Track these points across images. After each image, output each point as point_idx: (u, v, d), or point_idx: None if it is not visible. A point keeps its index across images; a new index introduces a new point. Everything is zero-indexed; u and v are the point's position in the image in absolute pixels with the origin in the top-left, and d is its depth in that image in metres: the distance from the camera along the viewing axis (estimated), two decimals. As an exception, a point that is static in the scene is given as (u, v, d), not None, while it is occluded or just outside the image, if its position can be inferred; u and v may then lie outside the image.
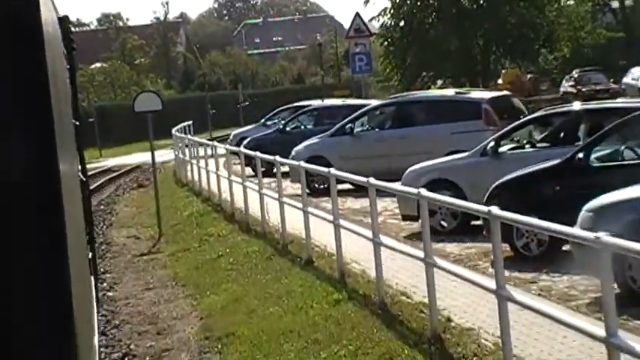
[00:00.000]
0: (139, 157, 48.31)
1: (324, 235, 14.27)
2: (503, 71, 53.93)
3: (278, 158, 17.70)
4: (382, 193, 13.00)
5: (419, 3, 53.15)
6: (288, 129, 29.70)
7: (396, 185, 14.43)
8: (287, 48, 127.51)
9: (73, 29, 7.75)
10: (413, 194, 10.53)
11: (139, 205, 29.58)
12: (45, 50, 2.22)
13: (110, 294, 16.11)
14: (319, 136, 24.34)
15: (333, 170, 13.74)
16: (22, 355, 2.23)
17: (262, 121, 35.80)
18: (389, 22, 54.50)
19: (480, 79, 49.94)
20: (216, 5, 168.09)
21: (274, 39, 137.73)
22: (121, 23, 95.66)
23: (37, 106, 2.18)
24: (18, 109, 2.15)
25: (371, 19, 56.55)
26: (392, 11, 54.12)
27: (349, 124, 23.45)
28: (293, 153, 24.09)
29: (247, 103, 51.86)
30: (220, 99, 77.66)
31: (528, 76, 56.41)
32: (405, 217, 16.38)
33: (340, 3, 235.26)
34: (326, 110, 30.01)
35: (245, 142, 30.37)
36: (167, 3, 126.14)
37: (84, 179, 5.81)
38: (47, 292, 2.24)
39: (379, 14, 55.03)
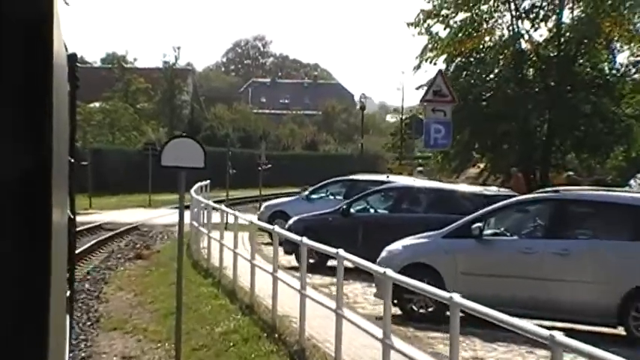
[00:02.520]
0: (135, 215, 39.73)
1: None
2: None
3: (346, 255, 12.11)
4: None
5: (476, 76, 45.37)
6: (353, 211, 21.41)
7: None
8: (295, 112, 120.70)
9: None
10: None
11: (140, 289, 21.16)
12: (52, 84, 2.15)
13: None
14: (428, 234, 16.03)
15: (456, 297, 8.32)
16: None
17: (305, 193, 27.54)
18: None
19: (537, 170, 41.73)
20: (224, 60, 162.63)
21: (281, 100, 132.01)
22: (128, 62, 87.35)
23: (35, 139, 2.10)
24: (16, 140, 2.07)
25: (418, 87, 48.71)
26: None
27: (476, 223, 15.18)
28: (384, 253, 15.87)
29: (270, 166, 43.76)
30: (232, 157, 69.56)
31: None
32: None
33: (351, 73, 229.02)
34: (405, 192, 21.75)
35: (291, 222, 22.12)
36: (179, 48, 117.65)
37: (72, 217, 5.50)
38: (24, 324, 2.12)
39: (428, 84, 47.23)
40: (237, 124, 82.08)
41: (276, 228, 17.11)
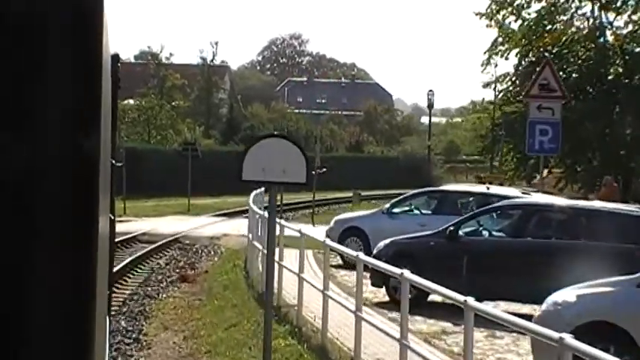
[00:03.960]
0: (174, 224, 35.06)
1: None
2: None
3: (471, 300, 8.51)
4: None
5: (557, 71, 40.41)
6: (461, 233, 16.57)
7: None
8: (333, 112, 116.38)
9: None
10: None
11: (190, 329, 16.46)
12: (101, 86, 2.09)
13: None
14: (616, 279, 11.15)
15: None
16: None
17: (386, 206, 22.64)
18: (511, 90, 41.73)
19: (620, 176, 36.53)
20: (260, 58, 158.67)
21: (318, 100, 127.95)
22: (162, 59, 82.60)
23: (83, 140, 2.02)
24: (64, 143, 2.00)
25: (486, 85, 43.72)
26: (517, 78, 41.32)
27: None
28: (546, 306, 11.05)
29: (325, 170, 39.11)
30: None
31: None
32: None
33: (387, 72, 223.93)
34: (528, 210, 16.86)
35: (380, 245, 17.35)
36: (217, 43, 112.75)
37: (112, 217, 5.53)
38: (70, 325, 2.04)
39: (498, 80, 42.31)
40: (276, 124, 77.35)
41: (361, 255, 12.64)
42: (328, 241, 15.46)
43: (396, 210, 21.60)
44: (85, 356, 2.06)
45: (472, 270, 15.96)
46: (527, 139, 22.82)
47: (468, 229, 16.65)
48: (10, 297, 2.01)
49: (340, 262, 22.31)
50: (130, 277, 22.49)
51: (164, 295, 20.48)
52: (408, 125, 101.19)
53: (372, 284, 17.30)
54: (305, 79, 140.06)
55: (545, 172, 40.29)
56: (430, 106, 37.14)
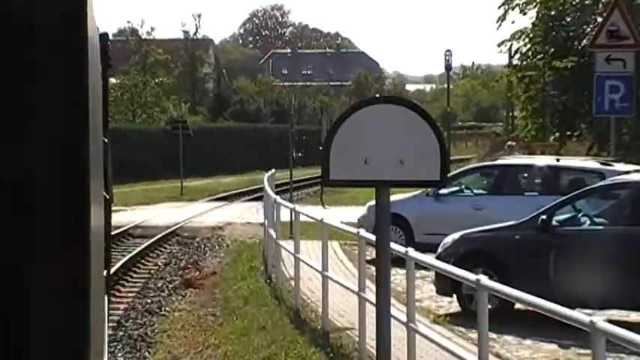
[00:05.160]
0: (169, 213, 31.03)
1: None
2: None
3: (600, 322, 5.75)
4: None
5: (577, 26, 36.42)
6: (561, 218, 12.62)
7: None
8: (320, 83, 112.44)
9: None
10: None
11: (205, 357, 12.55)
12: (88, 68, 2.14)
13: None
14: None
15: None
16: None
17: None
18: (530, 49, 37.69)
19: None
20: (242, 31, 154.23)
21: (303, 72, 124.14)
22: (143, 34, 77.94)
23: (73, 122, 2.09)
24: (52, 121, 2.07)
25: (501, 44, 39.60)
26: (534, 34, 37.24)
27: None
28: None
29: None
30: (264, 133, 61.05)
31: None
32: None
33: (374, 40, 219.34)
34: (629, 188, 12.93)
35: (447, 241, 13.42)
36: (199, 16, 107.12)
37: (107, 196, 5.38)
38: (66, 305, 2.08)
39: (513, 37, 38.26)
40: (267, 97, 73.19)
41: (412, 252, 9.27)
42: (363, 233, 11.59)
43: (443, 191, 17.60)
44: (81, 336, 2.03)
45: (575, 272, 12.08)
46: (594, 98, 18.88)
47: (562, 217, 12.71)
48: (7, 293, 2.00)
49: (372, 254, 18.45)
50: (125, 284, 18.55)
51: (167, 309, 16.56)
52: (402, 93, 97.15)
53: (438, 292, 13.44)
54: (289, 50, 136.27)
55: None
56: (448, 67, 33.47)
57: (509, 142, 28.99)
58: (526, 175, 17.36)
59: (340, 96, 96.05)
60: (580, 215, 12.69)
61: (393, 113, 5.17)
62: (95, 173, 2.49)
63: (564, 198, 12.97)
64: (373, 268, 12.58)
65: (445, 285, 13.01)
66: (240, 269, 18.55)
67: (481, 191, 17.93)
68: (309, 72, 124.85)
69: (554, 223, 12.63)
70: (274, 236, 16.86)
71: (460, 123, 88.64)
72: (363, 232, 11.47)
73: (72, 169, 2.06)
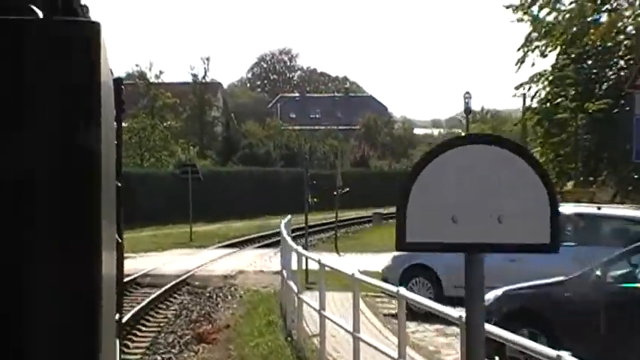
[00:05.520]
0: (179, 260, 29.86)
1: None
2: None
3: None
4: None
5: (600, 70, 35.38)
6: (617, 274, 11.44)
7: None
8: (329, 127, 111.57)
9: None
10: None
11: None
12: (100, 107, 2.19)
13: None
14: None
15: None
16: None
17: None
18: (548, 92, 36.75)
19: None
20: (249, 75, 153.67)
21: (312, 116, 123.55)
22: (152, 77, 77.10)
23: (85, 169, 2.14)
24: (67, 160, 2.12)
25: (519, 86, 38.51)
26: (552, 78, 36.31)
27: None
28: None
29: (348, 190, 34.14)
30: (274, 176, 59.96)
31: None
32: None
33: (381, 84, 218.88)
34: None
35: (489, 298, 12.23)
36: (208, 59, 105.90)
37: (120, 240, 5.30)
38: (76, 345, 2.09)
39: (532, 80, 37.27)
40: (276, 142, 72.19)
41: (465, 314, 8.03)
42: (403, 291, 10.36)
43: (475, 241, 16.49)
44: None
45: (633, 333, 10.88)
46: (634, 142, 17.77)
47: (618, 273, 11.54)
48: (9, 295, 2.02)
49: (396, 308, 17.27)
50: (133, 339, 17.32)
51: (180, 369, 15.31)
52: (411, 137, 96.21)
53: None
54: (297, 94, 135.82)
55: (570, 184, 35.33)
56: (467, 110, 32.32)
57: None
58: (565, 224, 16.19)
59: (349, 140, 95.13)
60: (637, 271, 11.51)
61: (487, 157, 4.01)
62: (108, 217, 2.42)
63: (620, 252, 11.79)
64: (399, 326, 11.36)
65: (487, 347, 11.79)
66: (257, 323, 17.32)
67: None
68: (317, 116, 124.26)
69: (608, 279, 11.45)
70: (295, 289, 15.68)
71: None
72: (403, 290, 10.27)
73: (85, 213, 2.03)
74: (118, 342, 4.97)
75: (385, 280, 16.64)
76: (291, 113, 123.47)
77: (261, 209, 54.33)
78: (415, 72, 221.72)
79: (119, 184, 5.13)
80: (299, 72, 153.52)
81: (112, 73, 4.05)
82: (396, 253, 18.32)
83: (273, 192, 57.17)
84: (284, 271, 18.40)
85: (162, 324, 19.01)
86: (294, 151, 67.51)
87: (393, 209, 57.35)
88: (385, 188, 63.46)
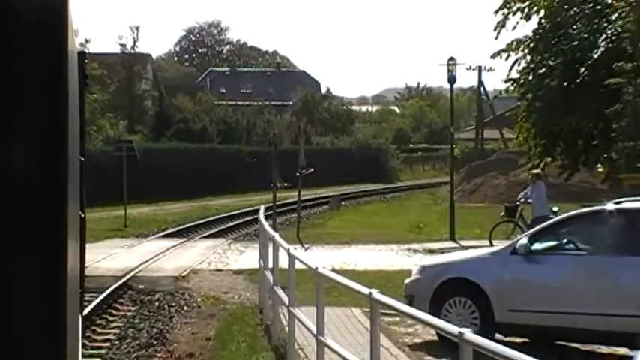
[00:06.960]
0: (117, 255, 24.96)
1: None
2: None
3: None
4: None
5: (590, 33, 31.34)
6: None
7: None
8: (263, 101, 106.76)
9: None
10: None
11: None
12: (68, 82, 2.09)
13: None
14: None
15: None
16: None
17: (522, 241, 12.34)
18: (527, 61, 32.65)
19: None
20: (177, 49, 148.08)
21: (242, 90, 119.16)
22: (78, 46, 71.41)
23: (52, 142, 2.01)
24: (32, 139, 1.99)
25: (496, 54, 34.18)
26: (529, 45, 32.31)
27: None
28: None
29: (312, 170, 29.65)
30: (213, 154, 55.17)
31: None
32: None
33: (313, 59, 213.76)
34: None
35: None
36: (137, 28, 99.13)
37: (82, 216, 4.98)
38: (41, 323, 2.00)
39: (510, 48, 33.07)
40: (212, 117, 67.14)
41: None
42: (470, 336, 5.72)
43: (537, 246, 11.91)
44: (57, 353, 1.98)
45: None
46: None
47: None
48: None
49: (422, 332, 12.78)
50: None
51: None
52: (350, 113, 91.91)
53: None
54: (227, 68, 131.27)
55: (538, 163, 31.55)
56: (451, 79, 28.15)
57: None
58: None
59: (283, 115, 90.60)
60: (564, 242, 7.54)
61: None
62: (73, 192, 2.37)
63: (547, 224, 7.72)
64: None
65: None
66: (235, 349, 12.67)
67: (588, 247, 12.19)
68: (248, 91, 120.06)
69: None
70: (286, 301, 11.31)
71: (412, 145, 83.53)
72: (469, 334, 5.56)
73: (50, 186, 1.97)
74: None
75: (410, 299, 12.15)
76: (221, 88, 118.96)
77: (200, 189, 49.52)
78: (345, 48, 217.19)
79: (82, 159, 4.58)
80: (228, 46, 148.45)
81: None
82: (426, 263, 13.70)
83: (212, 170, 52.35)
84: (266, 273, 14.00)
85: (103, 354, 14.21)
86: (231, 127, 62.60)
87: (347, 189, 52.82)
88: (332, 166, 59.16)
